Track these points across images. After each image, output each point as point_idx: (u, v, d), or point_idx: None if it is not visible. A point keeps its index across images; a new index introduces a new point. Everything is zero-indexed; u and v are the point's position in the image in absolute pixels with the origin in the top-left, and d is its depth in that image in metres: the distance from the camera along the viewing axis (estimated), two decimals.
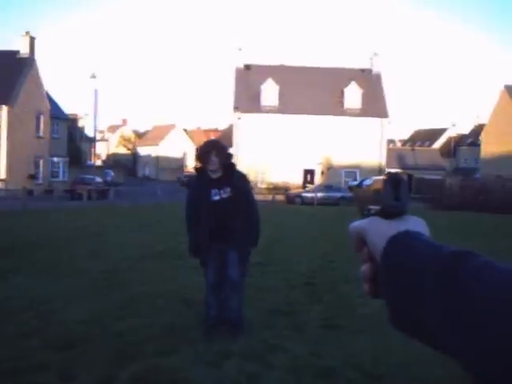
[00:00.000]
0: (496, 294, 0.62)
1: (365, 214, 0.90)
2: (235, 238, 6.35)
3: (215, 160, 6.25)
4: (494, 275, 0.65)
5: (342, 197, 44.14)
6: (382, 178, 0.87)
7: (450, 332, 0.66)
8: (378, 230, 0.83)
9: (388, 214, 0.84)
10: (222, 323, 6.46)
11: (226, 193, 6.37)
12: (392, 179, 0.86)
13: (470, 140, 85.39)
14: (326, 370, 5.49)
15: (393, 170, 62.79)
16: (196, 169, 6.61)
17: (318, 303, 8.43)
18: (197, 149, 6.58)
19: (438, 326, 0.68)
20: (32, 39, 49.64)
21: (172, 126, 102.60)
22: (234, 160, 6.74)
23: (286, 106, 56.88)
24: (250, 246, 6.60)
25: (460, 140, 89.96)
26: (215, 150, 6.29)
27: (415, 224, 0.84)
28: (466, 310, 0.64)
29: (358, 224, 0.88)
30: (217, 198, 6.36)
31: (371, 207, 0.88)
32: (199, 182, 6.53)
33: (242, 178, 6.67)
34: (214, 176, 6.36)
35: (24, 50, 49.15)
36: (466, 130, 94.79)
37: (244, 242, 6.47)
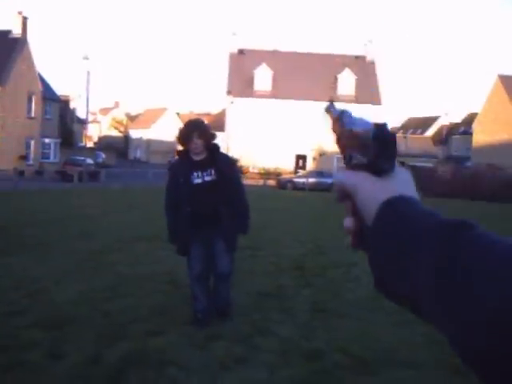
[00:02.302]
0: (495, 267, 0.61)
1: (346, 162, 0.82)
2: (221, 224, 6.06)
3: (198, 142, 5.91)
4: (491, 244, 0.63)
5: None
6: (370, 127, 0.79)
7: (441, 302, 0.65)
8: (369, 190, 0.79)
9: (375, 170, 0.79)
10: (212, 312, 6.34)
11: (209, 175, 6.02)
12: (381, 132, 0.78)
13: (462, 129, 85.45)
14: (314, 353, 5.52)
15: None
16: (178, 152, 6.23)
17: (307, 287, 8.45)
18: (179, 130, 6.12)
19: (429, 296, 0.67)
20: (24, 19, 49.22)
21: (164, 110, 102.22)
22: (218, 141, 6.37)
23: (279, 91, 56.84)
24: (240, 232, 6.35)
25: (452, 128, 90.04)
26: (197, 131, 5.93)
27: (403, 181, 0.81)
28: (462, 281, 0.62)
29: (346, 178, 0.82)
30: (198, 181, 6.01)
31: (354, 155, 0.80)
32: (180, 165, 6.15)
33: (227, 161, 6.34)
34: (197, 158, 6.03)
35: (16, 30, 48.75)
36: (458, 118, 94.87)
37: (231, 228, 6.17)
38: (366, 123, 0.81)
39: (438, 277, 0.65)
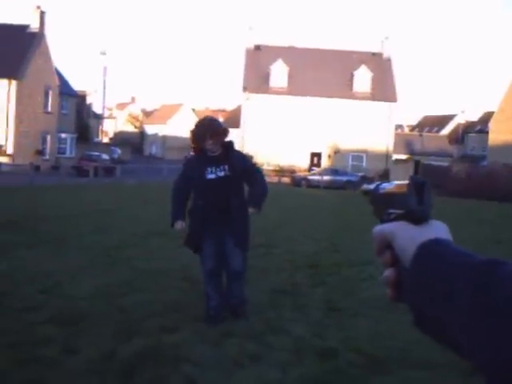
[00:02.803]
0: None
1: (385, 218, 0.89)
2: (233, 222, 6.14)
3: (211, 142, 6.01)
4: None
5: (348, 181, 44.20)
6: (404, 182, 0.87)
7: (476, 340, 0.66)
8: (408, 235, 0.83)
9: (413, 218, 0.84)
10: (224, 309, 6.36)
11: (222, 171, 6.11)
12: (416, 182, 0.85)
13: (478, 127, 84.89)
14: (327, 352, 5.52)
15: (400, 157, 62.89)
16: (194, 148, 6.31)
17: (322, 285, 8.44)
18: (192, 131, 6.20)
19: (464, 334, 0.68)
20: (42, 13, 49.48)
21: (180, 106, 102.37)
22: (232, 137, 6.49)
23: (294, 87, 56.72)
24: (252, 205, 6.26)
25: (468, 127, 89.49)
26: (209, 131, 6.01)
27: (439, 229, 0.84)
28: (496, 320, 0.64)
29: (384, 227, 0.88)
30: (212, 176, 6.10)
31: (392, 211, 0.88)
32: (196, 161, 6.29)
33: (240, 157, 6.41)
34: (212, 154, 6.12)
35: (34, 25, 49.01)
36: (474, 117, 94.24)
37: (243, 227, 6.25)
38: (397, 183, 0.90)
39: (471, 315, 0.67)
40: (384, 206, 0.90)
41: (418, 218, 0.84)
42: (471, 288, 0.68)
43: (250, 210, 6.25)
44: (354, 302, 7.44)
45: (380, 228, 0.88)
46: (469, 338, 0.67)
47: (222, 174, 6.11)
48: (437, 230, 0.84)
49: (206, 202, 6.12)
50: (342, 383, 4.84)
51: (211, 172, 6.11)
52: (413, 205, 0.84)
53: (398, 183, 0.90)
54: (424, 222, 0.84)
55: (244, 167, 6.29)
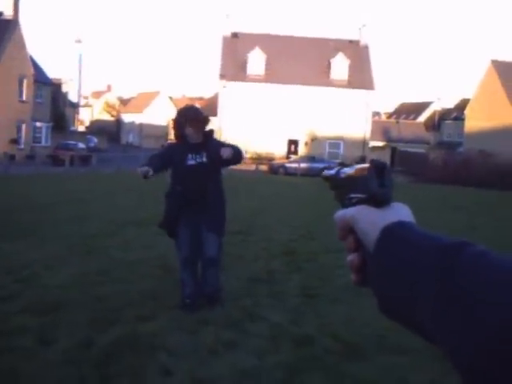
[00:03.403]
0: (494, 287, 0.61)
1: (346, 203, 0.89)
2: (210, 207, 6.21)
3: (191, 130, 6.14)
4: (491, 267, 0.64)
5: (325, 168, 44.23)
6: (364, 165, 0.86)
7: (443, 325, 0.66)
8: (369, 219, 0.82)
9: (375, 201, 0.84)
10: (200, 297, 6.36)
11: (201, 158, 6.19)
12: (377, 166, 0.84)
13: (454, 114, 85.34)
14: (304, 339, 5.54)
15: (377, 144, 63.16)
16: (175, 135, 6.42)
17: (298, 272, 8.48)
18: (173, 119, 6.32)
19: (431, 318, 0.68)
20: (16, 1, 48.77)
21: (157, 94, 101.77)
22: (210, 125, 6.51)
23: (272, 75, 56.64)
24: (230, 153, 6.00)
25: (444, 114, 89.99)
26: (190, 118, 6.17)
27: (402, 211, 0.84)
28: (462, 303, 0.63)
29: (345, 212, 0.87)
30: (192, 162, 6.20)
31: (353, 196, 0.87)
32: (177, 147, 6.35)
33: (218, 145, 6.32)
34: (193, 141, 6.23)
35: (8, 12, 48.33)
36: (450, 104, 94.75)
37: (219, 211, 6.33)
38: (358, 167, 0.89)
39: (437, 299, 0.67)
40: (345, 190, 0.90)
41: (379, 200, 0.83)
42: (437, 272, 0.68)
43: (223, 150, 6.00)
44: (330, 289, 7.48)
45: (341, 213, 0.87)
46: (435, 323, 0.67)
47: (201, 160, 6.20)
48: (399, 212, 0.83)
49: (185, 187, 6.18)
50: (319, 370, 4.87)
51: (191, 158, 6.20)
52: (374, 188, 0.83)
53: (358, 167, 0.89)
54: (386, 205, 0.83)
55: (219, 154, 6.14)
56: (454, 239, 0.71)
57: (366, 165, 0.86)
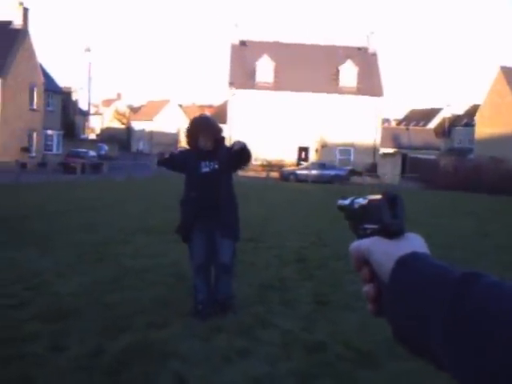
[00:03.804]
0: (504, 318, 0.63)
1: (361, 233, 0.90)
2: (223, 213, 6.27)
3: (203, 138, 6.27)
4: (504, 297, 0.65)
5: (336, 175, 44.30)
6: (377, 196, 0.88)
7: (455, 355, 0.67)
8: (384, 250, 0.84)
9: (388, 232, 0.85)
10: (213, 304, 6.36)
11: (214, 165, 6.29)
12: (389, 197, 0.86)
13: (464, 121, 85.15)
14: (316, 346, 5.53)
15: (388, 150, 62.98)
16: (188, 143, 6.52)
17: (309, 279, 8.46)
18: (186, 129, 6.45)
19: (442, 347, 0.69)
20: (25, 10, 49.01)
21: (167, 101, 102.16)
22: (224, 134, 6.64)
23: (281, 82, 56.70)
24: (238, 145, 6.09)
25: (455, 120, 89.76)
26: (204, 128, 6.34)
27: (415, 242, 0.85)
28: (473, 333, 0.65)
29: (360, 244, 0.89)
30: (206, 169, 6.31)
31: (367, 226, 0.89)
32: (190, 154, 6.46)
33: (229, 149, 6.37)
34: (205, 149, 6.31)
35: (17, 21, 48.52)
36: (460, 110, 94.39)
37: (232, 217, 6.37)
38: (370, 198, 0.91)
39: (449, 329, 0.68)
40: (359, 220, 0.91)
41: (392, 231, 0.85)
42: (448, 300, 0.69)
43: (235, 142, 6.14)
44: (342, 296, 7.46)
45: (356, 244, 0.89)
46: (447, 352, 0.68)
47: (213, 167, 6.30)
48: (413, 243, 0.85)
49: (199, 194, 6.28)
50: (331, 377, 4.85)
51: (205, 166, 6.32)
52: (387, 219, 0.85)
53: (371, 198, 0.90)
54: (399, 236, 0.85)
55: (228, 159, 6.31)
56: (468, 270, 0.72)
57: (379, 196, 0.88)
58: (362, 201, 0.92)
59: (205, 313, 6.22)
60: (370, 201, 0.89)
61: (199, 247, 6.27)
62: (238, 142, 6.08)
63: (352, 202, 0.95)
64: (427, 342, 0.72)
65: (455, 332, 0.67)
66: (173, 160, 6.43)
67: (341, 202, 1.00)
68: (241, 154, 6.12)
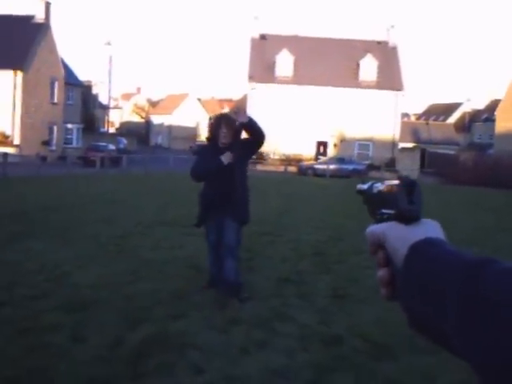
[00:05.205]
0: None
1: (378, 218, 0.92)
2: (234, 202, 6.60)
3: (224, 132, 6.61)
4: None
5: (354, 169, 44.16)
6: (394, 182, 0.89)
7: (468, 340, 0.67)
8: (399, 235, 0.85)
9: (403, 218, 0.86)
10: (221, 282, 6.71)
11: (230, 158, 6.57)
12: (406, 183, 0.87)
13: (484, 115, 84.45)
14: (333, 339, 5.55)
15: (407, 145, 62.65)
16: (207, 138, 6.98)
17: (327, 273, 8.48)
18: (209, 123, 6.82)
19: (456, 333, 0.70)
20: (47, 4, 49.29)
21: (186, 95, 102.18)
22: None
23: (300, 76, 56.51)
24: (252, 122, 6.47)
25: (475, 115, 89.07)
26: (226, 123, 6.64)
27: (431, 228, 0.85)
28: (485, 318, 0.65)
29: (376, 228, 0.89)
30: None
31: (384, 211, 0.90)
32: (208, 149, 6.87)
33: (241, 142, 6.76)
34: (223, 145, 6.64)
35: (39, 16, 48.82)
36: (481, 105, 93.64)
37: (242, 207, 6.68)
38: (388, 183, 0.92)
39: (462, 314, 0.68)
40: (377, 205, 0.93)
41: (408, 217, 0.86)
42: (460, 283, 0.70)
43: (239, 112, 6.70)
44: (359, 289, 7.47)
45: (372, 229, 0.90)
46: (462, 337, 0.69)
47: (230, 161, 6.54)
48: (428, 229, 0.85)
49: (216, 187, 6.62)
50: (348, 370, 4.87)
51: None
52: (403, 204, 0.86)
53: (388, 183, 0.92)
54: (415, 222, 0.86)
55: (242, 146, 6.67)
56: (481, 256, 0.72)
57: (396, 181, 0.89)
58: (380, 186, 0.94)
59: (215, 283, 6.82)
60: (388, 186, 0.91)
61: (212, 229, 6.76)
62: (243, 114, 6.54)
63: (371, 187, 0.96)
64: (441, 327, 0.73)
65: (468, 313, 0.67)
66: (209, 173, 6.65)
67: (360, 186, 1.01)
68: (250, 129, 6.44)
